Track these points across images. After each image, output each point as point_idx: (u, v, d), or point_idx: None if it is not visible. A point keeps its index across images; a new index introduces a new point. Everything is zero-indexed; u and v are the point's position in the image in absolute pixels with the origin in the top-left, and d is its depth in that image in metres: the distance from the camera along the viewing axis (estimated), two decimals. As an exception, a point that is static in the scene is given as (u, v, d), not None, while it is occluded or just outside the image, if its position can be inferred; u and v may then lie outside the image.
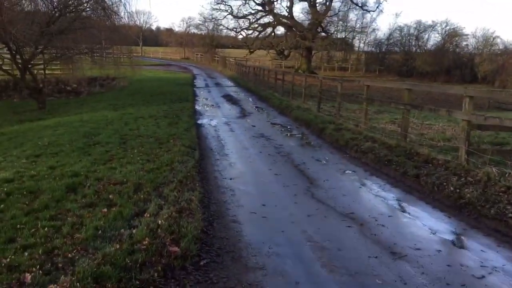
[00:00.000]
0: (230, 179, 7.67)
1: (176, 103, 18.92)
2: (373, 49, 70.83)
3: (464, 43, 68.11)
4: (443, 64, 63.73)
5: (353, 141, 10.63)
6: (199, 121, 14.89)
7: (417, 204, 6.49)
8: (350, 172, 8.53)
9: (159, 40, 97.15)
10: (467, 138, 7.52)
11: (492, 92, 7.65)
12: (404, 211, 6.17)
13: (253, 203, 6.37)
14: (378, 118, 16.81)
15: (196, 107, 18.91)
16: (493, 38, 67.57)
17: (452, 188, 6.66)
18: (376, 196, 6.89)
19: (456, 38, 67.64)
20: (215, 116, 16.29)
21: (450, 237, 5.27)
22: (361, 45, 73.28)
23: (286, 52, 61.46)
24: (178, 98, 20.77)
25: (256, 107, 20.26)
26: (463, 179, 7.02)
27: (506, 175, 6.80)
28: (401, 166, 8.24)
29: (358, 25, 68.48)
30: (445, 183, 6.96)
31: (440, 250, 4.86)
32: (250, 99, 23.75)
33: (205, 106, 19.48)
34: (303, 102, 19.02)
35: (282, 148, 10.66)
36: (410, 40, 69.30)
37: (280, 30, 61.34)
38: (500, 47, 66.14)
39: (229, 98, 23.20)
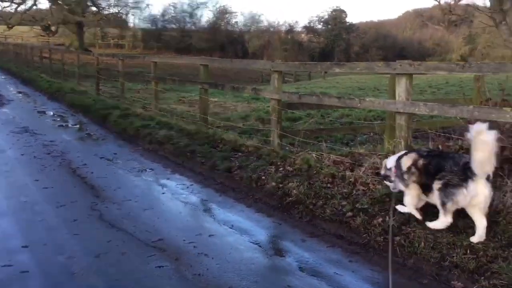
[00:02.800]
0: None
1: None
2: (149, 25, 68.88)
3: (234, 20, 71.63)
4: (218, 41, 65.95)
5: (145, 129, 8.90)
6: None
7: (237, 210, 5.18)
8: (147, 171, 6.81)
9: None
10: (279, 120, 6.54)
11: (300, 65, 6.79)
12: (225, 223, 4.77)
13: (5, 246, 4.16)
14: (166, 98, 15.27)
15: None
16: (259, 16, 72.44)
17: (273, 183, 5.55)
18: (185, 204, 5.36)
19: (227, 16, 70.59)
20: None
21: (292, 258, 4.04)
22: (137, 21, 70.69)
23: (53, 28, 55.02)
24: None
25: (19, 92, 16.74)
26: (281, 169, 6.00)
27: (327, 159, 6.01)
28: (207, 158, 6.87)
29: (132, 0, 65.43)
30: (263, 177, 5.83)
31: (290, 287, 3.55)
32: (11, 82, 19.70)
33: None
34: (78, 84, 16.29)
35: (54, 145, 8.29)
36: (185, 17, 69.66)
37: (44, 3, 54.48)
38: (265, 24, 71.26)
39: (-20, 83, 18.78)
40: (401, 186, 4.28)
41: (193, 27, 69.41)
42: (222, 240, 4.33)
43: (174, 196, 5.66)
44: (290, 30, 69.19)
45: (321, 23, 68.82)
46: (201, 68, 8.27)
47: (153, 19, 68.45)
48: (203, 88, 8.21)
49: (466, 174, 3.72)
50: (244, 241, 4.33)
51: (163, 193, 5.79)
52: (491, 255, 3.50)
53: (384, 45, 63.07)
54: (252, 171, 6.01)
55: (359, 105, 5.07)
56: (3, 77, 22.08)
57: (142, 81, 17.53)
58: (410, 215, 4.24)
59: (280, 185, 5.46)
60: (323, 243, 4.26)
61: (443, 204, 3.88)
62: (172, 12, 68.62)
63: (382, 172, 4.57)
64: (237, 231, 4.55)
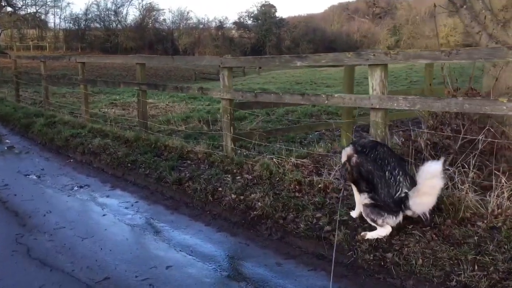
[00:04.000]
0: None
1: None
2: (71, 25, 65.47)
3: (162, 17, 70.01)
4: (146, 39, 64.13)
5: (76, 138, 7.89)
6: None
7: (195, 230, 4.44)
8: (82, 188, 5.90)
9: None
10: (231, 122, 5.85)
11: (255, 59, 6.02)
12: (182, 248, 4.02)
13: None
14: (96, 101, 14.10)
15: None
16: (187, 13, 71.22)
17: (233, 195, 4.86)
18: (132, 228, 4.56)
19: (154, 13, 68.76)
20: None
21: None
22: (58, 21, 67.00)
23: (-37, 30, 50.86)
24: None
25: None
26: (239, 177, 5.33)
27: (287, 163, 5.41)
28: (152, 169, 6.06)
29: (50, -2, 61.85)
30: (220, 188, 5.12)
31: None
32: None
33: None
34: (-6, 90, 14.68)
35: (-32, 163, 7.14)
36: (110, 15, 66.95)
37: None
38: (194, 21, 70.14)
39: None
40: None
41: (119, 26, 66.84)
42: (182, 273, 3.59)
43: (117, 218, 4.82)
44: (221, 26, 68.46)
45: (251, 19, 68.67)
46: (137, 68, 7.37)
47: (75, 18, 65.18)
48: (141, 89, 7.33)
49: (399, 207, 3.55)
50: (209, 270, 3.62)
51: (103, 215, 4.93)
52: (502, 270, 3.03)
53: (314, 39, 63.91)
54: (206, 182, 5.29)
55: (326, 102, 4.50)
56: None
57: (68, 84, 16.21)
58: (401, 225, 3.70)
59: (241, 197, 4.79)
60: (303, 266, 3.64)
61: (373, 221, 3.66)
62: (96, 10, 65.73)
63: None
64: (199, 258, 3.83)
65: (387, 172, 3.58)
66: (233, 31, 69.95)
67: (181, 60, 8.92)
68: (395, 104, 3.91)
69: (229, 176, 5.39)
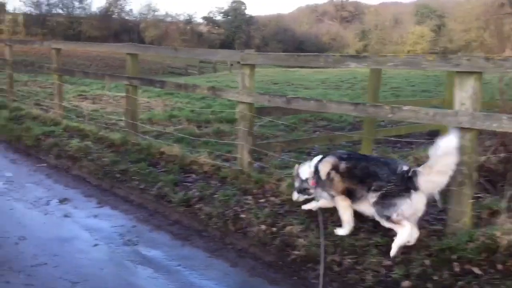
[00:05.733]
0: None
1: None
2: (32, 9, 62.28)
3: (128, 7, 68.11)
4: (111, 29, 62.09)
5: (49, 138, 6.72)
6: None
7: (220, 273, 3.42)
8: (61, 203, 4.77)
9: None
10: (250, 131, 4.86)
11: (290, 57, 4.88)
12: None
13: None
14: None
15: None
16: (155, 4, 69.57)
17: (262, 226, 3.90)
18: (135, 266, 3.52)
19: (120, 2, 66.65)
20: None
21: None
22: (17, 4, 63.85)
23: None
24: None
25: None
26: (263, 200, 4.40)
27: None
28: (148, 182, 5.02)
29: (10, -20, 58.62)
30: (242, 214, 4.15)
31: None
32: None
33: None
34: None
35: None
36: (73, 2, 64.36)
37: None
38: (162, 13, 68.51)
39: None
40: (325, 198, 3.79)
41: (82, 14, 64.26)
42: None
43: (113, 251, 3.76)
44: (189, 20, 66.91)
45: (221, 14, 67.48)
46: (128, 59, 6.23)
47: (36, 3, 62.05)
48: (131, 85, 6.21)
49: (406, 184, 3.30)
50: None
51: (95, 245, 3.86)
52: None
53: (284, 39, 63.34)
54: (222, 205, 4.30)
55: (391, 115, 3.61)
56: None
57: (31, 72, 14.70)
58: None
59: (273, 229, 3.84)
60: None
61: (387, 218, 3.36)
62: (58, -5, 62.73)
63: (297, 184, 3.98)
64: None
65: (381, 159, 3.65)
66: (202, 26, 68.57)
67: (186, 53, 7.69)
68: (495, 125, 3.06)
69: (250, 198, 4.42)
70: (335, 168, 3.64)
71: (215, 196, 4.51)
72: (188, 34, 64.05)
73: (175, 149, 5.69)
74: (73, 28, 60.14)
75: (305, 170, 3.88)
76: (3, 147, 7.06)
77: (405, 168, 3.37)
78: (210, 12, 68.28)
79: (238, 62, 4.76)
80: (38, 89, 13.53)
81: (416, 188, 3.26)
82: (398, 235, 3.31)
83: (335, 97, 14.66)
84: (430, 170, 3.20)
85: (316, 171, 3.77)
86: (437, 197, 3.38)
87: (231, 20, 65.01)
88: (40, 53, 31.59)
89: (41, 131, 6.98)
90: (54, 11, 63.52)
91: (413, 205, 3.27)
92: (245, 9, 67.78)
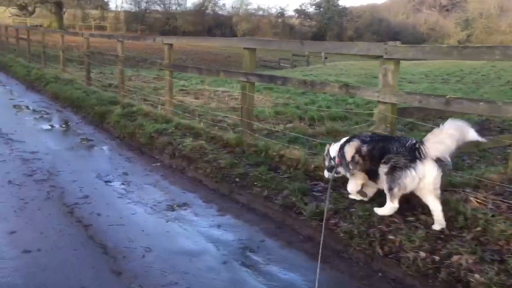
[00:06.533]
0: None
1: None
2: (132, 6, 65.47)
3: (222, 2, 69.28)
4: (205, 24, 63.42)
5: (162, 136, 6.55)
6: None
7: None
8: (180, 208, 4.47)
9: None
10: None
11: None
12: None
13: None
14: (159, 87, 12.46)
15: None
16: (248, -2, 70.13)
17: (420, 253, 3.27)
18: (274, 291, 3.08)
19: (214, -3, 67.98)
20: None
21: None
22: (119, 2, 67.48)
23: (30, 8, 51.56)
24: None
25: (-10, 79, 14.13)
26: (411, 218, 3.74)
27: (471, 201, 3.77)
28: (272, 189, 4.57)
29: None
30: (390, 235, 3.55)
31: None
32: (-19, 67, 16.97)
33: None
34: (62, 71, 13.67)
35: (38, 159, 5.92)
36: (170, -2, 66.68)
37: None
38: (255, 7, 68.87)
39: None
40: (347, 175, 4.03)
41: (178, 9, 66.30)
42: None
43: (246, 270, 3.35)
44: (281, 13, 66.60)
45: (313, 6, 66.39)
46: (245, 54, 5.82)
47: (136, 0, 65.01)
48: (249, 81, 5.81)
49: (413, 155, 3.46)
50: None
51: (224, 263, 3.46)
52: None
53: (379, 30, 60.99)
54: (363, 222, 3.72)
55: None
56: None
57: (131, 66, 14.95)
58: None
59: (434, 257, 3.19)
60: None
61: (390, 189, 3.59)
62: (156, -8, 65.32)
63: (327, 163, 4.28)
64: None
65: (395, 142, 3.65)
66: (294, 19, 67.98)
67: (314, 47, 7.08)
68: None
69: (396, 214, 3.80)
70: (358, 151, 3.84)
71: (352, 210, 3.95)
72: (279, 27, 63.77)
73: (297, 152, 5.19)
74: (169, 24, 62.18)
75: (334, 149, 4.14)
76: (116, 143, 7.03)
77: (414, 141, 3.52)
78: (302, 4, 67.48)
79: (381, 56, 4.12)
80: (143, 84, 13.76)
81: (422, 156, 3.40)
82: (385, 205, 3.65)
83: (446, 92, 13.48)
84: (440, 132, 3.35)
85: (341, 150, 4.00)
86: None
87: (323, 11, 63.70)
88: (139, 48, 32.76)
89: (154, 129, 6.83)
90: (152, 8, 66.12)
91: (419, 175, 3.41)
92: (338, 0, 66.14)
